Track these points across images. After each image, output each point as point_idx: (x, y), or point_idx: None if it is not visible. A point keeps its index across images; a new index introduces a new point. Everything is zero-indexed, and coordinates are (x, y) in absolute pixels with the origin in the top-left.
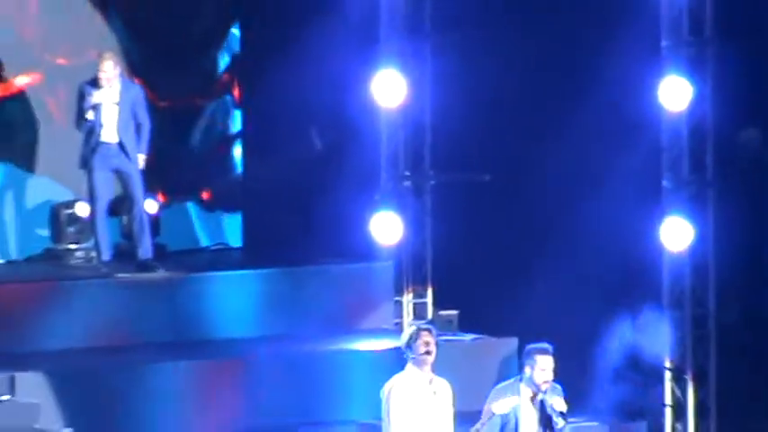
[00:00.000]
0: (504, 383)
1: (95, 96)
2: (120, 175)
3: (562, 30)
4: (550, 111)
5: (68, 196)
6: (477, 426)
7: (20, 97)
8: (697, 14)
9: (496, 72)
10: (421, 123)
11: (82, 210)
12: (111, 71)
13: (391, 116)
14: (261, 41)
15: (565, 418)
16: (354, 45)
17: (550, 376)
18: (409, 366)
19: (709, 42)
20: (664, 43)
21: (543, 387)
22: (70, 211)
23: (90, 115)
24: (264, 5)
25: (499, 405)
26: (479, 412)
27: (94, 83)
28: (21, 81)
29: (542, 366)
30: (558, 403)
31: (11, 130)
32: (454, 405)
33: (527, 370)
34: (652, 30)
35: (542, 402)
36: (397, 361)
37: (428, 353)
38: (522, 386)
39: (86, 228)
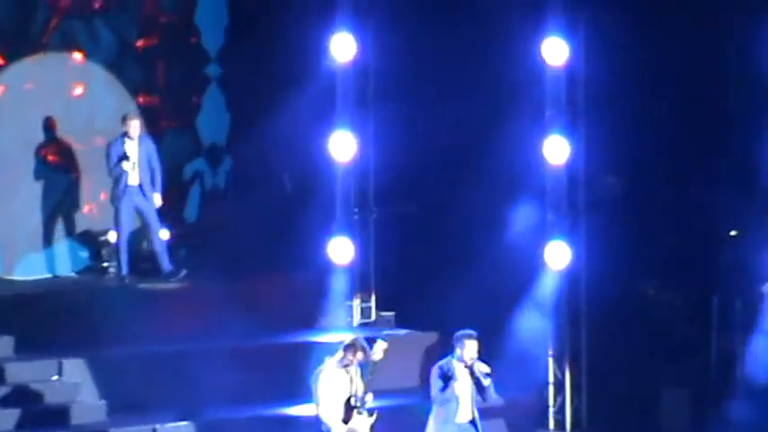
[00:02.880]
0: (441, 361)
1: (125, 149)
2: (140, 211)
3: (470, 105)
4: (463, 163)
5: (102, 226)
6: (433, 392)
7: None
8: (572, 90)
9: (423, 133)
10: (366, 171)
11: (112, 237)
12: (137, 130)
13: (344, 166)
14: (247, 107)
15: (489, 377)
16: (316, 112)
17: (475, 354)
18: (333, 359)
19: (580, 113)
20: (547, 112)
21: (470, 362)
22: (104, 237)
23: (125, 165)
24: (251, 81)
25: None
26: (409, 387)
27: (123, 139)
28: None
29: (469, 347)
30: (482, 367)
31: (58, 174)
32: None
33: (458, 350)
34: (539, 102)
35: (471, 368)
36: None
37: (355, 362)
38: (455, 362)
39: (111, 251)
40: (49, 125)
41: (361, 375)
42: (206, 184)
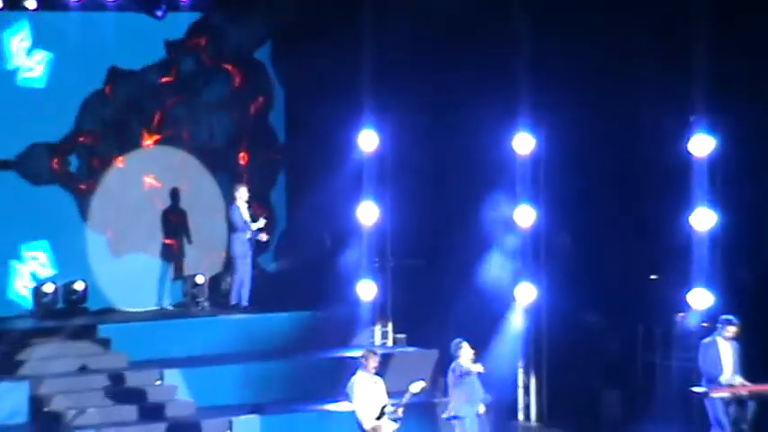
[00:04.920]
0: (453, 364)
1: (244, 213)
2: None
3: (460, 182)
4: (456, 226)
5: (190, 269)
6: (452, 387)
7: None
8: (536, 172)
9: (427, 204)
10: (385, 232)
11: (200, 279)
12: (245, 195)
13: (368, 228)
14: (300, 185)
15: (480, 366)
16: (348, 188)
17: (472, 355)
18: (360, 370)
19: (541, 189)
20: (517, 188)
21: (468, 361)
22: (194, 279)
23: (254, 226)
24: (303, 166)
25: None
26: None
27: (237, 203)
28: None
29: (465, 350)
30: (477, 367)
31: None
32: (387, 388)
33: (459, 354)
34: (511, 180)
35: (468, 372)
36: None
37: (374, 366)
38: (458, 363)
39: (201, 290)
40: (172, 193)
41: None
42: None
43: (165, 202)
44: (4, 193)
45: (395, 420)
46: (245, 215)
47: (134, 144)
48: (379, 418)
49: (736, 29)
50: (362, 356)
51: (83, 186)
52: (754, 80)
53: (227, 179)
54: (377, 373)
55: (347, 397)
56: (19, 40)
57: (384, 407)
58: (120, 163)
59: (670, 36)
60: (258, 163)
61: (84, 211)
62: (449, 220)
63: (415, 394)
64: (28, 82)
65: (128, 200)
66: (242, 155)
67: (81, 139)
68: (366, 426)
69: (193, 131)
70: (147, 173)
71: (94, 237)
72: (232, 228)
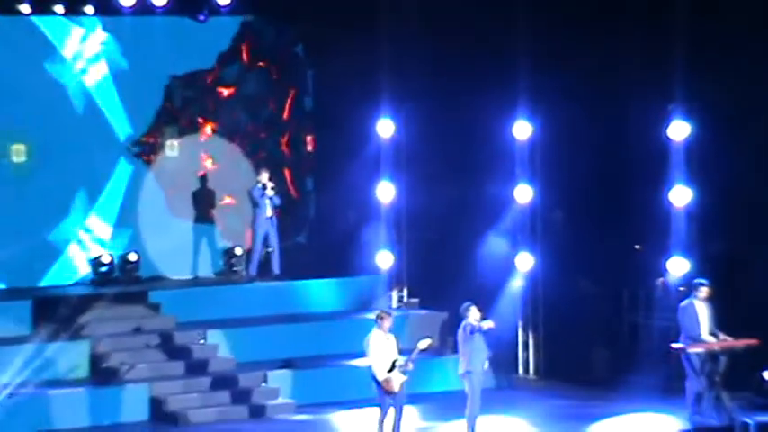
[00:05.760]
0: (463, 323)
1: (269, 192)
2: (268, 235)
3: (466, 165)
4: (463, 203)
5: (229, 243)
6: (462, 344)
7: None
8: (533, 155)
9: (437, 183)
10: (400, 208)
11: (238, 251)
12: (265, 177)
13: (386, 205)
14: (326, 167)
15: (491, 323)
16: (369, 170)
17: (479, 315)
18: (375, 328)
19: (537, 170)
20: (516, 170)
21: (477, 322)
22: (232, 251)
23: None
24: (328, 150)
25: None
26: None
27: (259, 185)
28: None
29: (473, 311)
30: (488, 323)
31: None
32: (398, 345)
33: (467, 315)
34: (511, 163)
35: (479, 328)
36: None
37: (388, 325)
38: (468, 321)
39: (238, 260)
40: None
41: (409, 355)
42: None
43: (209, 184)
44: (68, 172)
45: (404, 373)
46: (269, 193)
47: (189, 132)
48: (390, 371)
49: (710, 25)
50: (377, 316)
51: (148, 159)
52: (725, 74)
53: (262, 163)
54: (390, 331)
55: (364, 352)
56: (78, 43)
57: (395, 361)
58: (171, 149)
59: (651, 36)
60: (294, 149)
61: (138, 192)
62: (457, 197)
63: (422, 350)
64: (89, 82)
65: (178, 181)
66: (283, 140)
67: (146, 138)
68: (379, 377)
69: (238, 121)
70: (197, 158)
71: (147, 213)
72: (255, 204)
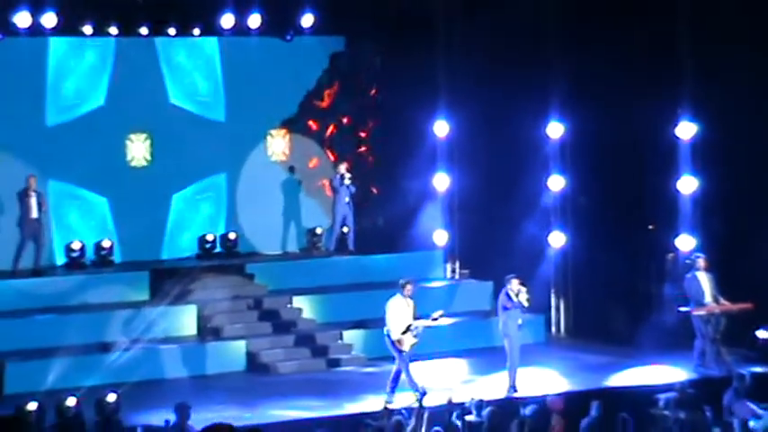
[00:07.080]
0: (505, 289)
1: (346, 181)
2: (346, 216)
3: (509, 158)
4: (505, 190)
5: (312, 224)
6: (501, 309)
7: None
8: (564, 151)
9: (484, 173)
10: (454, 195)
11: (319, 230)
12: (343, 168)
13: (441, 193)
14: (389, 161)
15: (528, 300)
16: (427, 163)
17: (518, 287)
18: (398, 294)
19: (568, 163)
20: (550, 163)
21: (517, 290)
22: (314, 230)
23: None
24: (393, 148)
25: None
26: (478, 310)
27: (338, 174)
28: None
29: (514, 282)
30: (524, 299)
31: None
32: (416, 311)
33: (509, 286)
34: (545, 157)
35: (517, 295)
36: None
37: (409, 292)
38: (510, 290)
39: (320, 238)
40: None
41: (420, 316)
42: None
43: (296, 176)
44: (184, 164)
45: (416, 336)
46: (347, 182)
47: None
48: (404, 333)
49: (717, 34)
50: (402, 284)
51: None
52: (727, 82)
53: (341, 159)
54: (411, 297)
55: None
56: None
57: (410, 325)
58: (265, 148)
59: (661, 47)
60: (371, 147)
61: (237, 182)
62: (500, 185)
63: (435, 319)
64: (192, 98)
65: (269, 174)
66: (362, 133)
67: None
68: (393, 336)
69: (328, 122)
70: (281, 154)
71: (244, 199)
72: (335, 191)
